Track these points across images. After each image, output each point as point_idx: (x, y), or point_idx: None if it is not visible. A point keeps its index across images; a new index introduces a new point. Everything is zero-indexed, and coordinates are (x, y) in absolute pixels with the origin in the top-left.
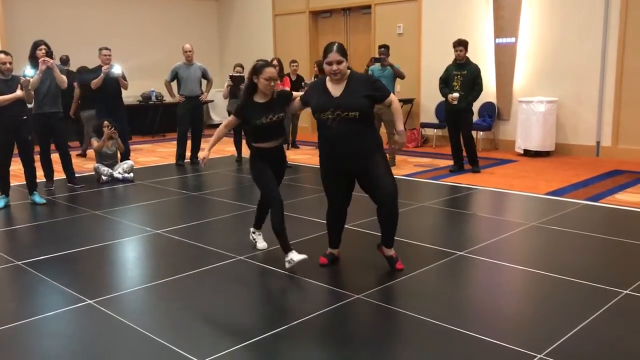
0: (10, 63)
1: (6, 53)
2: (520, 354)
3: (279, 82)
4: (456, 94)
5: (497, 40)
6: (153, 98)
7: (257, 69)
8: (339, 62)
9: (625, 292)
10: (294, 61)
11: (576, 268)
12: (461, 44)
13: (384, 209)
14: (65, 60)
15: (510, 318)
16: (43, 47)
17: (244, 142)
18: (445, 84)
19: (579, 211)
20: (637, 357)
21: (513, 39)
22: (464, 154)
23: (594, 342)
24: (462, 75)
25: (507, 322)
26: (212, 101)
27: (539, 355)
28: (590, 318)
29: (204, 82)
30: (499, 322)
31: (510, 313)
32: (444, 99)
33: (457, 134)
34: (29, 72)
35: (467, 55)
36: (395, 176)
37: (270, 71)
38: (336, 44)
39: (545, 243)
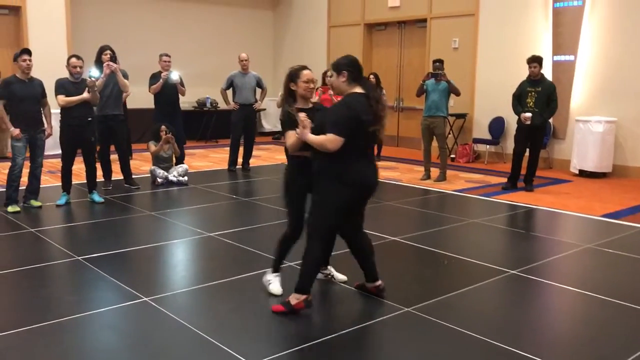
0: (81, 67)
1: (77, 57)
2: None
3: (332, 92)
4: (528, 114)
5: (555, 58)
6: (208, 104)
7: (293, 75)
8: None
9: None
10: None
11: (632, 293)
12: (535, 60)
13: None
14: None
15: (563, 341)
16: (108, 52)
17: None
18: (519, 100)
19: (636, 235)
20: None
21: (572, 57)
22: (522, 172)
23: None
24: (536, 92)
25: (558, 343)
26: (264, 109)
27: None
28: None
29: (258, 90)
30: (550, 343)
31: (562, 335)
32: (516, 116)
33: (524, 151)
34: (94, 73)
35: (538, 72)
36: (445, 191)
37: (307, 73)
38: None
39: (601, 266)
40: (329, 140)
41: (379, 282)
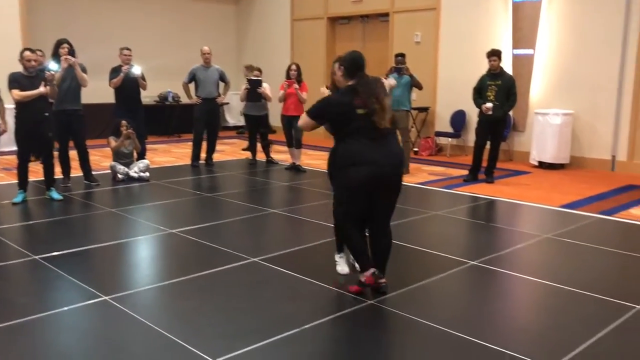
0: (36, 61)
1: (32, 50)
2: None
3: (297, 86)
4: (489, 104)
5: (515, 52)
6: (170, 99)
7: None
8: None
9: (638, 307)
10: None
11: (589, 281)
12: (495, 54)
13: None
14: None
15: (522, 329)
16: (65, 45)
17: (258, 145)
18: (479, 94)
19: (592, 225)
20: None
21: (531, 51)
22: (483, 164)
23: (605, 357)
24: (496, 85)
25: (518, 332)
26: (228, 103)
27: None
28: (603, 332)
29: (222, 84)
30: (511, 333)
31: (522, 324)
32: (477, 109)
33: (485, 143)
34: (53, 67)
35: (498, 65)
36: (408, 184)
37: None
38: None
39: (558, 255)
40: (301, 117)
41: (382, 280)
